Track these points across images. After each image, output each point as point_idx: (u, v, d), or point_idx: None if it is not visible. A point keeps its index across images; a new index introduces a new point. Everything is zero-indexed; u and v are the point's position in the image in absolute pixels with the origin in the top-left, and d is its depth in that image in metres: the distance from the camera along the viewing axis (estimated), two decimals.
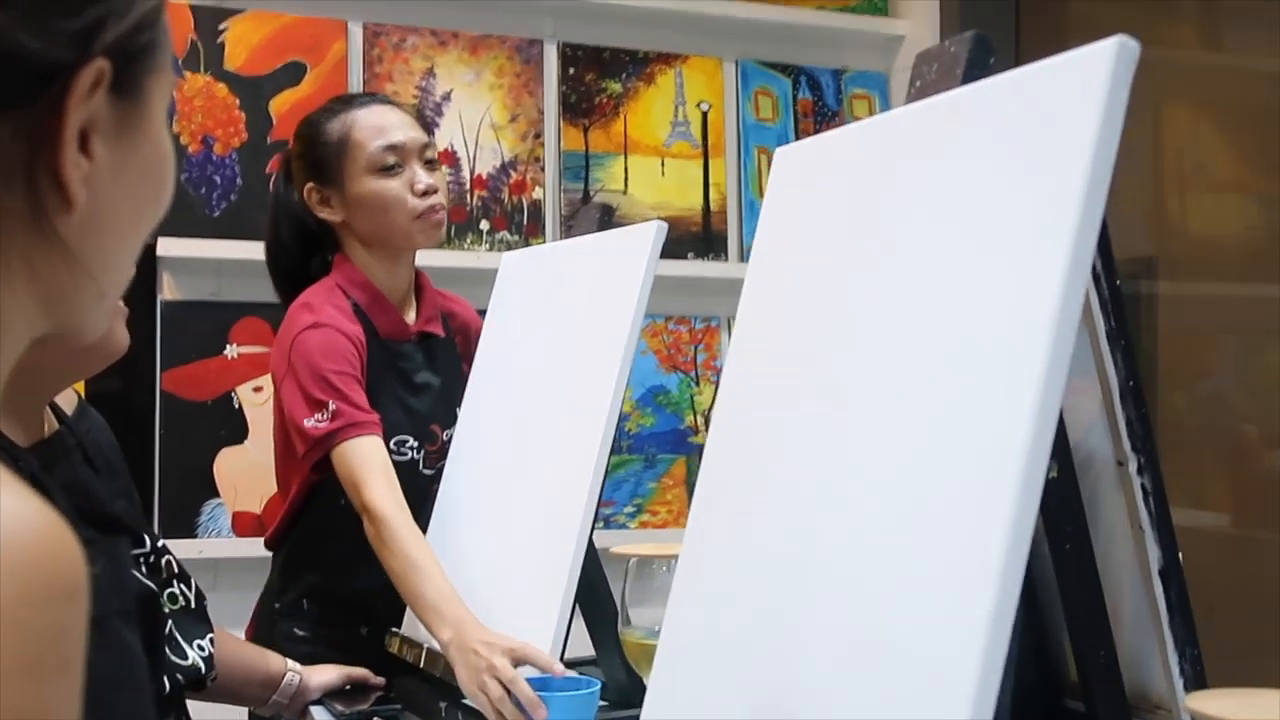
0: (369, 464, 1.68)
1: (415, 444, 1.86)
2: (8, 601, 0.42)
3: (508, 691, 1.38)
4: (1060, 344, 0.77)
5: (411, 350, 1.89)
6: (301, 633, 1.88)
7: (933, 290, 0.89)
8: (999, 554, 0.78)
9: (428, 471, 1.88)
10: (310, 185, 1.88)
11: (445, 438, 1.88)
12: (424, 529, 1.77)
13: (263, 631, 1.92)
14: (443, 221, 1.88)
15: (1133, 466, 1.15)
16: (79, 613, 0.45)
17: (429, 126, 1.99)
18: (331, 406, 1.71)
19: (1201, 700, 0.76)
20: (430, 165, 1.88)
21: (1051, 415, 0.76)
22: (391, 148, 1.84)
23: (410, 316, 1.91)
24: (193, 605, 1.32)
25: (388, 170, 1.83)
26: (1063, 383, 0.76)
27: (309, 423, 1.72)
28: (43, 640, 0.43)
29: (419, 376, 1.88)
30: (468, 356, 1.93)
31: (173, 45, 0.62)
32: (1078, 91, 0.76)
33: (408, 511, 1.65)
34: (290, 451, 1.82)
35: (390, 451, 1.76)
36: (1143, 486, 1.15)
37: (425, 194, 1.84)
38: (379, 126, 1.85)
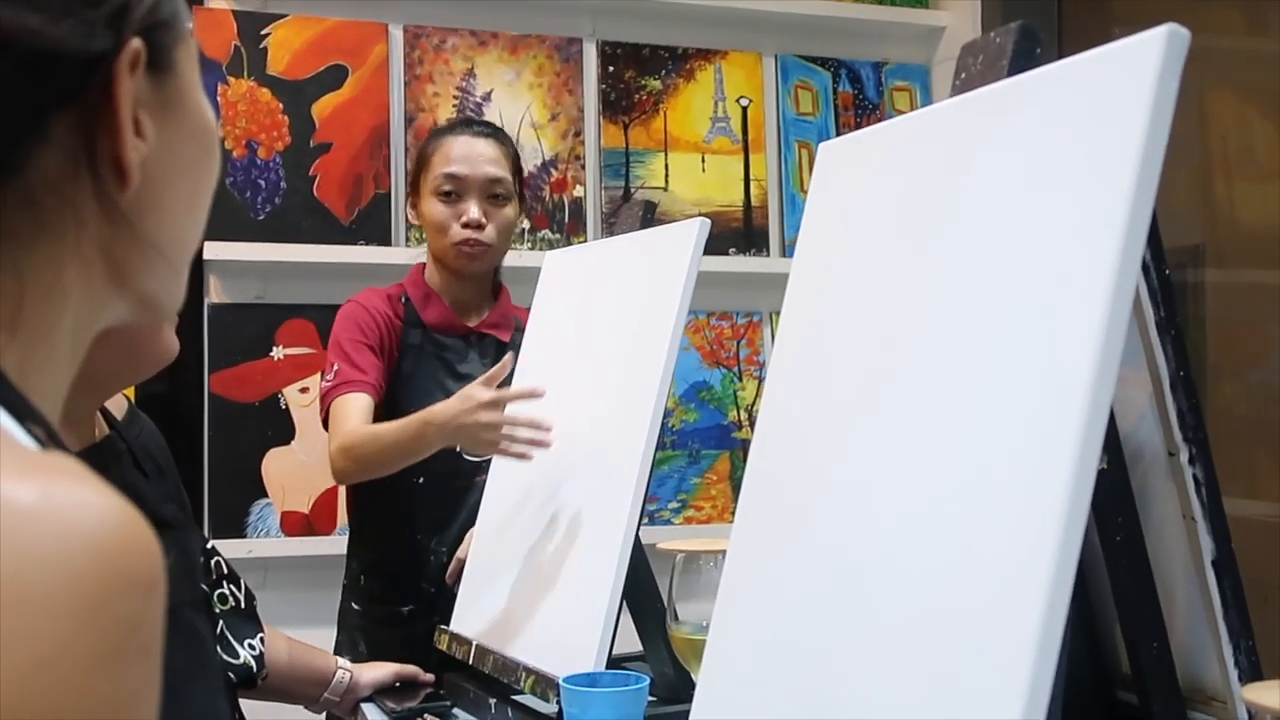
0: (346, 415, 1.86)
1: None
2: (91, 590, 0.43)
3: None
4: (1112, 336, 0.76)
5: (460, 345, 2.03)
6: (356, 607, 2.04)
7: (981, 282, 0.88)
8: (1051, 547, 0.78)
9: (471, 458, 1.97)
10: (410, 193, 2.11)
11: None
12: (464, 513, 1.93)
13: (340, 608, 2.08)
14: (477, 255, 1.99)
15: (1184, 456, 1.14)
16: (158, 602, 0.46)
17: (517, 164, 2.09)
18: (335, 368, 1.93)
19: (1259, 692, 0.75)
20: (496, 201, 2.00)
21: (1103, 408, 0.76)
22: (450, 176, 1.99)
23: (475, 319, 2.06)
24: (242, 605, 1.33)
25: (444, 196, 1.99)
26: (1114, 375, 0.76)
27: (321, 384, 1.94)
28: (124, 628, 0.44)
29: (463, 367, 2.01)
30: None
31: (189, 11, 0.63)
32: (1127, 81, 0.76)
33: (363, 426, 1.84)
34: None
35: None
36: (1194, 477, 1.14)
37: (467, 226, 1.97)
38: (452, 155, 2.00)
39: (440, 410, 1.68)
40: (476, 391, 1.65)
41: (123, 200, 0.57)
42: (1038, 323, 0.82)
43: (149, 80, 0.59)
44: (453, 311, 2.03)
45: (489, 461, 1.89)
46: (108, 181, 0.57)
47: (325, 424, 1.93)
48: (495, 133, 2.09)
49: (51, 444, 0.51)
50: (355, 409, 1.86)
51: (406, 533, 1.98)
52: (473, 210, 1.98)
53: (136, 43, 0.57)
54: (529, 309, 1.93)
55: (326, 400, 1.91)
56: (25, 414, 0.51)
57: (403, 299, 2.02)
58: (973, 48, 0.98)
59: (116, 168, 0.57)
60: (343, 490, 2.34)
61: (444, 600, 1.89)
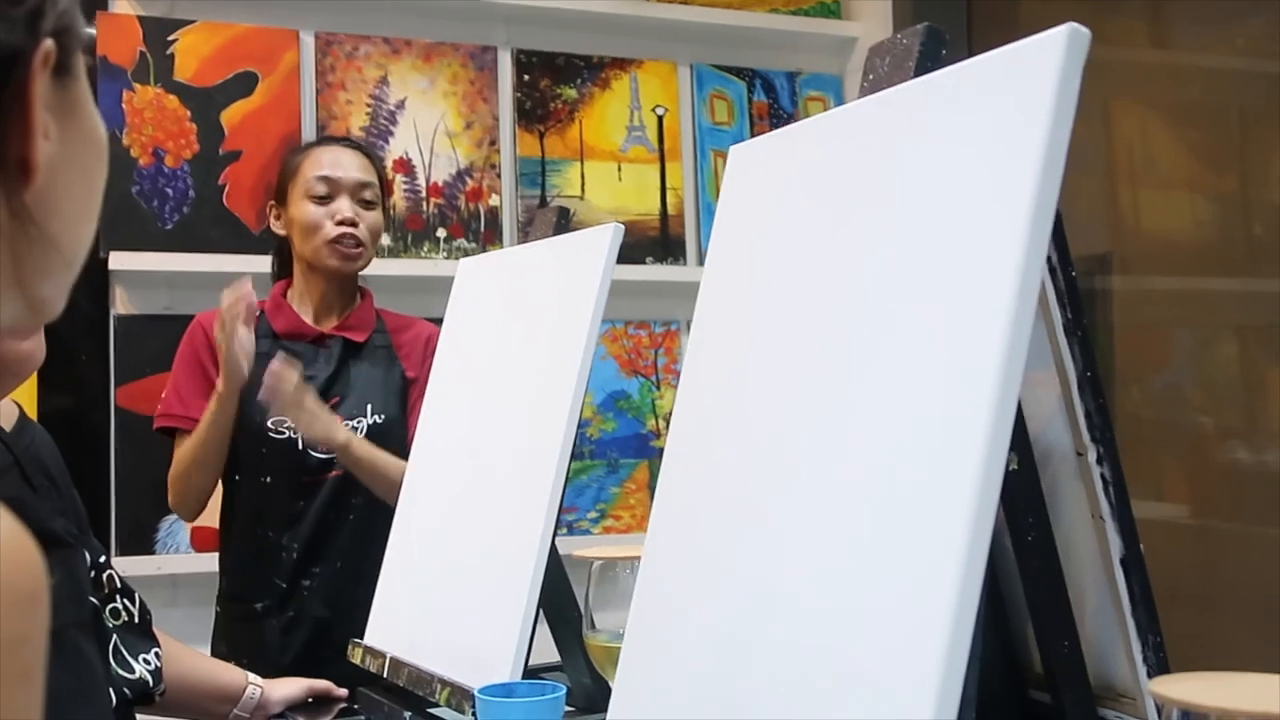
0: (174, 458, 2.10)
1: (294, 425, 2.06)
2: None
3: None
4: (1017, 334, 0.77)
5: (309, 350, 2.12)
6: (219, 609, 2.14)
7: (889, 284, 0.89)
8: (960, 547, 0.78)
9: (319, 454, 2.07)
10: (272, 202, 2.18)
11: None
12: (315, 508, 2.06)
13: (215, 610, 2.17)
14: (352, 254, 2.10)
15: (1092, 456, 1.15)
16: (40, 621, 0.44)
17: (383, 176, 2.20)
18: (164, 394, 2.12)
19: (1166, 685, 0.76)
20: (366, 205, 2.12)
21: (1009, 406, 0.76)
22: (324, 179, 2.10)
23: (328, 323, 2.14)
24: (136, 620, 1.30)
25: (318, 199, 2.09)
26: (1019, 373, 0.76)
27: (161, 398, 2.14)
28: (5, 647, 0.42)
29: (309, 370, 2.09)
30: (411, 364, 2.18)
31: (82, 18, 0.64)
32: (1030, 79, 0.76)
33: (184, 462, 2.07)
34: None
35: (268, 430, 2.05)
36: (1102, 476, 1.15)
37: (342, 224, 2.08)
38: (323, 161, 2.12)
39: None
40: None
41: (27, 197, 0.57)
42: (945, 321, 0.83)
43: (53, 83, 0.59)
44: (300, 318, 2.13)
45: (337, 459, 2.03)
46: (13, 180, 0.57)
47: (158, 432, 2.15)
48: (364, 147, 2.22)
49: None
50: (178, 450, 2.08)
51: (258, 531, 2.07)
52: (345, 206, 2.09)
53: (49, 43, 0.57)
54: (436, 321, 1.93)
55: (157, 421, 2.12)
56: None
57: (257, 313, 2.09)
58: (880, 49, 0.99)
59: (21, 166, 0.56)
60: None
61: (296, 596, 2.05)
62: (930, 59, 0.92)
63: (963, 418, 0.79)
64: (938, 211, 0.85)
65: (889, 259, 0.89)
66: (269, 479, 2.06)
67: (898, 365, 0.86)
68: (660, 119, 3.03)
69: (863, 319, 0.91)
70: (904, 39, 0.95)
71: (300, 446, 2.06)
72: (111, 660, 1.21)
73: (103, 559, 1.26)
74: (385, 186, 2.20)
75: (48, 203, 0.59)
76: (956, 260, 0.82)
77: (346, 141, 2.22)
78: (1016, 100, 0.78)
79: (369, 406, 2.11)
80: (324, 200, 2.09)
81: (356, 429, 2.08)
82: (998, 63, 0.81)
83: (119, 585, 1.27)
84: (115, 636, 1.24)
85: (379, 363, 2.16)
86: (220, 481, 2.11)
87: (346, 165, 2.12)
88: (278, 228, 2.16)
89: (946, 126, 0.85)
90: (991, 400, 0.76)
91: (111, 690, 1.18)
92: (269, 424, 2.05)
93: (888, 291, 0.88)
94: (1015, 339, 0.76)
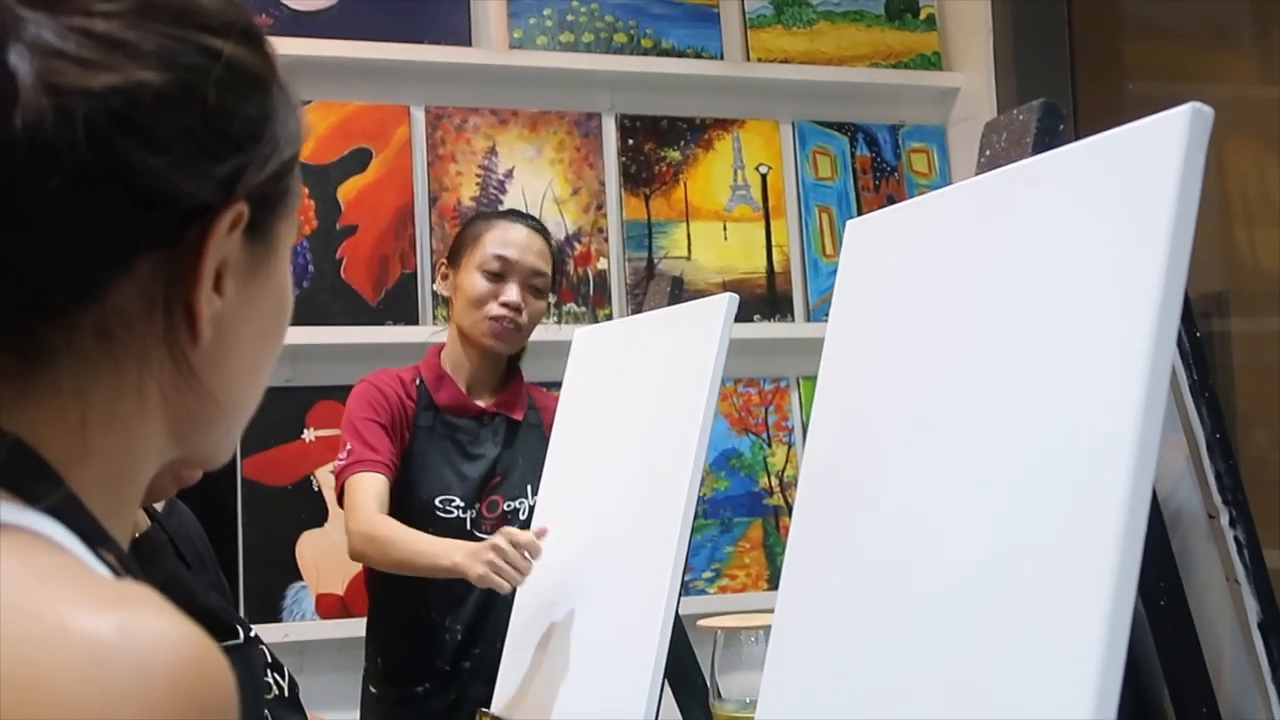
0: (363, 493, 1.93)
1: (462, 504, 2.05)
2: None
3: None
4: (1152, 405, 0.77)
5: (472, 426, 2.10)
6: (374, 690, 2.09)
7: (1018, 358, 0.89)
8: (1102, 620, 0.78)
9: (483, 536, 1.99)
10: (444, 260, 2.19)
11: (507, 508, 2.08)
12: (478, 590, 1.90)
13: (361, 695, 2.12)
14: (507, 335, 2.07)
15: (1224, 519, 1.13)
16: None
17: (557, 263, 2.21)
18: (349, 447, 1.99)
19: None
20: (536, 292, 2.10)
21: (1147, 479, 0.76)
22: (500, 258, 2.07)
23: (487, 399, 2.11)
24: (286, 694, 1.34)
25: (490, 274, 2.06)
26: (1156, 446, 0.76)
27: (334, 464, 2.00)
28: None
29: (475, 448, 2.08)
30: None
31: (302, 192, 0.64)
32: (1154, 160, 0.77)
33: (388, 519, 1.89)
34: None
35: (435, 508, 2.02)
36: (1236, 539, 1.13)
37: (505, 307, 2.05)
38: (506, 240, 2.10)
39: (474, 544, 1.75)
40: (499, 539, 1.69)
41: (192, 353, 0.58)
42: (1077, 396, 0.83)
43: (244, 244, 0.59)
44: (464, 393, 2.09)
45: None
46: (179, 330, 0.58)
47: (340, 501, 2.01)
48: (545, 232, 2.19)
49: (124, 570, 0.52)
50: (372, 489, 1.94)
51: (422, 612, 2.04)
52: (514, 293, 2.06)
53: (241, 205, 0.58)
54: (548, 385, 1.96)
55: (341, 478, 1.99)
56: (98, 539, 0.52)
57: (416, 381, 2.09)
58: (996, 125, 0.99)
59: (189, 318, 0.57)
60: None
61: (459, 678, 2.01)
62: (1048, 134, 0.93)
63: (1100, 495, 0.79)
64: (1063, 288, 0.85)
65: (1015, 334, 0.89)
66: None
67: (1030, 439, 0.86)
68: (764, 177, 3.05)
69: (991, 394, 0.91)
70: (1020, 115, 0.96)
71: (468, 526, 2.02)
72: None
73: (253, 634, 1.30)
74: (556, 272, 2.19)
75: (212, 357, 0.59)
76: (1086, 337, 0.82)
77: (532, 222, 2.20)
78: (1141, 180, 0.78)
79: (529, 488, 2.07)
80: (496, 278, 2.07)
81: (518, 509, 2.07)
82: (1120, 141, 0.81)
83: (269, 660, 1.31)
84: (267, 711, 1.27)
85: (534, 442, 2.12)
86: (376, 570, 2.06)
87: (525, 249, 2.09)
88: (443, 289, 2.16)
89: (1067, 205, 0.86)
90: (1129, 476, 0.76)
91: None
92: (436, 501, 2.02)
93: (1016, 367, 0.89)
94: (1150, 410, 0.76)
